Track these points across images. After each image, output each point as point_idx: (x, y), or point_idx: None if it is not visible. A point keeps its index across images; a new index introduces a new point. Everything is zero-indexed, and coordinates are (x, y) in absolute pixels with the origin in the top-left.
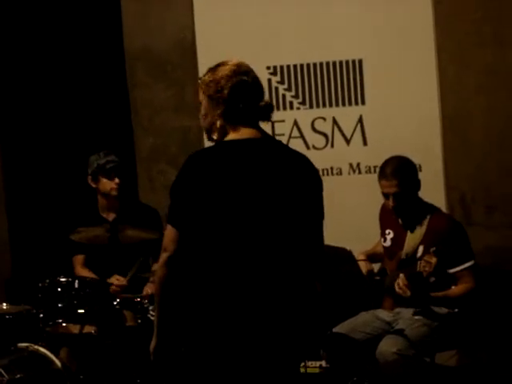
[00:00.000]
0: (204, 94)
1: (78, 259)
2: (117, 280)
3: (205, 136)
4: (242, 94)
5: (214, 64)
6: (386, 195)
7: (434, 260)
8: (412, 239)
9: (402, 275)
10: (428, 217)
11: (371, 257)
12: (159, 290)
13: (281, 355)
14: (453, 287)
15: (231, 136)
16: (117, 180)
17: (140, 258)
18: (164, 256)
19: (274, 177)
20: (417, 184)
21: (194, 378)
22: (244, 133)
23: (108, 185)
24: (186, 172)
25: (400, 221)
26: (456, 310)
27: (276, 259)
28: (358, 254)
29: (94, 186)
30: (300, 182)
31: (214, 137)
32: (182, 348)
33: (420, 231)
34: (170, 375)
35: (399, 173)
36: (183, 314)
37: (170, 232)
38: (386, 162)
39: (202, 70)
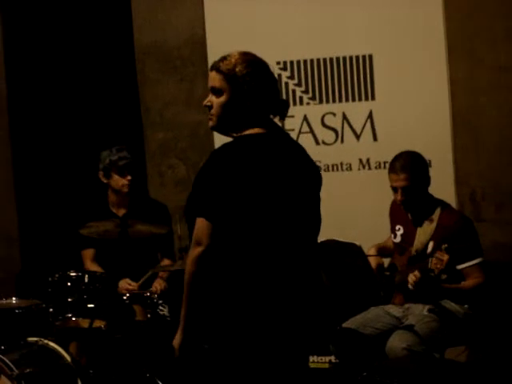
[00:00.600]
0: (229, 84)
1: (88, 253)
2: (128, 285)
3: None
4: (273, 87)
5: (234, 53)
6: (394, 189)
7: (445, 257)
8: (422, 235)
9: (416, 271)
10: (438, 213)
11: (382, 251)
12: (189, 285)
13: (298, 349)
14: (463, 282)
15: (255, 130)
16: (129, 177)
17: (151, 270)
18: (198, 250)
19: (296, 171)
20: (426, 180)
21: (217, 374)
22: (264, 127)
23: (120, 181)
24: (217, 165)
25: (410, 217)
26: (466, 305)
27: (299, 253)
28: (369, 247)
29: (105, 181)
30: (309, 176)
31: (233, 129)
32: (205, 345)
33: (430, 227)
34: (192, 371)
35: (409, 167)
36: (209, 308)
37: (203, 225)
38: (397, 157)
39: None
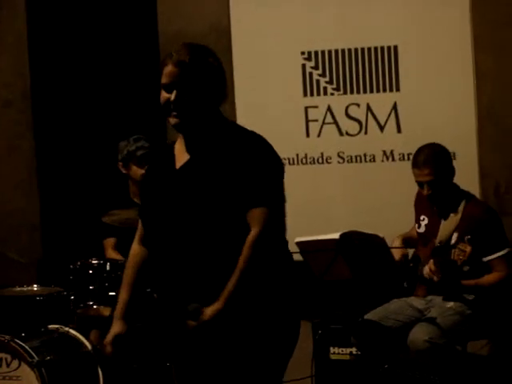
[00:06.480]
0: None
1: (110, 242)
2: None
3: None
4: None
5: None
6: (420, 184)
7: (468, 249)
8: (446, 226)
9: (431, 260)
10: (463, 204)
11: (407, 241)
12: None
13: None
14: (485, 276)
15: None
16: None
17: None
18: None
19: None
20: (451, 171)
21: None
22: None
23: (139, 172)
24: (272, 156)
25: (435, 208)
26: (487, 297)
27: None
28: (395, 237)
29: (124, 172)
30: None
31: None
32: None
33: (455, 218)
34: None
35: (431, 161)
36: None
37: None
38: (419, 151)
39: (237, 54)
